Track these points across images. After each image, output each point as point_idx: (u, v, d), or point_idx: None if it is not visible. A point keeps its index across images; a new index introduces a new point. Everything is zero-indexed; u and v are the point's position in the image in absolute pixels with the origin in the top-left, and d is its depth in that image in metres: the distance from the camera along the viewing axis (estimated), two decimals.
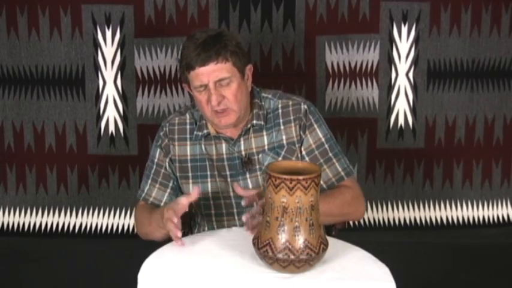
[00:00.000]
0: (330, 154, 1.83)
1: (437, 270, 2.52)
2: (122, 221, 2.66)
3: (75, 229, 2.67)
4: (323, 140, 1.83)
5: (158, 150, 1.88)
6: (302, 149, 1.82)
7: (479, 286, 2.44)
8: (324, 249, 1.41)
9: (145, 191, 1.89)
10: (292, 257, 1.37)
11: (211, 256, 1.52)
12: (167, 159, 1.87)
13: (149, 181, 1.89)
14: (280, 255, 1.37)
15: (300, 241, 1.37)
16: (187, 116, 1.88)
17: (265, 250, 1.39)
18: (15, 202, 2.66)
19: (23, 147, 2.62)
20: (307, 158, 1.81)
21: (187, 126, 1.87)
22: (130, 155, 2.62)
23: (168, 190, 1.87)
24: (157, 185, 1.88)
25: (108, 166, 2.64)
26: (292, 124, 1.82)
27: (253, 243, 1.43)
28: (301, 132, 1.82)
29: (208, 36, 1.72)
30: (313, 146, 1.82)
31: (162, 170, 1.87)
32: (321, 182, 1.78)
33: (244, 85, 1.78)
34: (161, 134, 1.89)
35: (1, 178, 2.65)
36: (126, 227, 2.66)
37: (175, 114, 1.91)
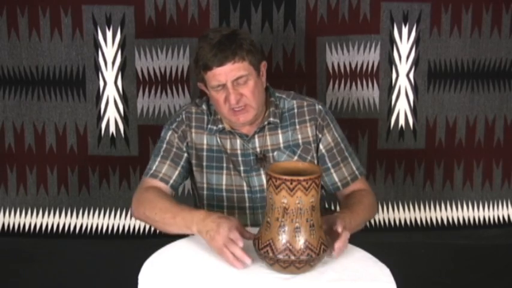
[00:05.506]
0: (346, 153, 1.87)
1: (437, 271, 2.52)
2: (122, 221, 2.66)
3: (76, 230, 2.67)
4: (339, 139, 1.87)
5: (171, 132, 1.86)
6: (321, 146, 1.85)
7: (480, 287, 2.43)
8: (325, 250, 1.41)
9: (154, 168, 1.82)
10: (292, 257, 1.37)
11: (211, 257, 1.52)
12: (184, 143, 1.85)
13: (158, 159, 1.84)
14: (280, 256, 1.37)
15: (300, 242, 1.37)
16: (204, 107, 1.89)
17: (265, 251, 1.39)
18: (15, 203, 2.66)
19: (23, 148, 2.62)
20: (326, 156, 1.85)
21: (205, 117, 1.87)
22: (131, 156, 2.62)
23: (179, 168, 1.84)
24: (168, 162, 1.83)
25: (109, 167, 2.63)
26: (308, 124, 1.85)
27: (254, 244, 1.43)
28: (317, 132, 1.85)
29: (222, 35, 1.73)
30: (332, 144, 1.86)
31: (174, 149, 1.85)
32: (336, 180, 1.84)
33: (260, 82, 1.80)
34: (178, 119, 1.88)
35: (2, 179, 2.64)
36: (126, 228, 2.66)
37: (192, 104, 1.91)
